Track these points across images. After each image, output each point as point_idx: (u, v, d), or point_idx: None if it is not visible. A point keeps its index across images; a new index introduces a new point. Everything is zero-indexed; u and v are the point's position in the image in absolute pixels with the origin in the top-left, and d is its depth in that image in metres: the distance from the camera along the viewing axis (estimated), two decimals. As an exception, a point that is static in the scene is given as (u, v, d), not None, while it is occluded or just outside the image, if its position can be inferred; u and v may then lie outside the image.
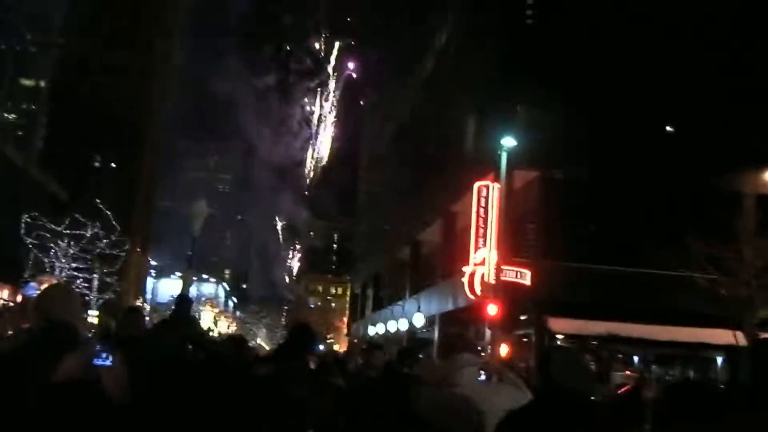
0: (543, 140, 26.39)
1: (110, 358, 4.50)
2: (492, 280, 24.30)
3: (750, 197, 25.55)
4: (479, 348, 27.82)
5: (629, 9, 27.16)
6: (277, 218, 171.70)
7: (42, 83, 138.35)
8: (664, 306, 23.36)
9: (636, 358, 25.54)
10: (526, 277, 24.68)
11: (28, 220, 49.78)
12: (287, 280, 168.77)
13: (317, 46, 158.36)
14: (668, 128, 28.21)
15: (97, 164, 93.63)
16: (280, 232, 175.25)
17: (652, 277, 24.42)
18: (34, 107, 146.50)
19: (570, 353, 4.84)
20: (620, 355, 25.18)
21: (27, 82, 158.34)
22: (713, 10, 26.49)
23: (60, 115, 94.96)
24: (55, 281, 47.38)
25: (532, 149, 26.02)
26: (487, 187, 26.88)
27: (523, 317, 26.39)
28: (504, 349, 23.26)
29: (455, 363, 5.52)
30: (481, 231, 26.53)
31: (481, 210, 26.80)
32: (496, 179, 25.93)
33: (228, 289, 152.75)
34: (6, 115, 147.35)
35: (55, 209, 54.30)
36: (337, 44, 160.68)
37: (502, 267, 24.31)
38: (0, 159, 51.24)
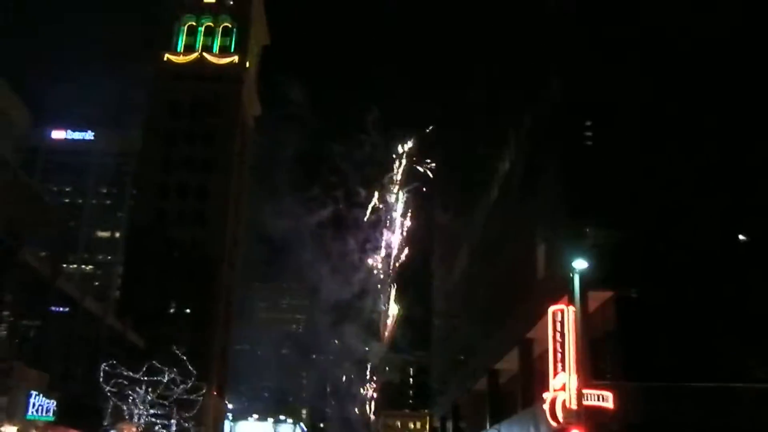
0: (614, 260, 26.12)
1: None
2: (574, 406, 23.70)
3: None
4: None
5: (689, 117, 27.23)
6: (351, 355, 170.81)
7: (117, 234, 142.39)
8: (757, 420, 22.45)
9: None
10: (608, 400, 24.00)
11: (107, 368, 50.43)
12: (364, 417, 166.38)
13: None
14: (741, 237, 27.72)
15: (172, 311, 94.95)
16: (355, 368, 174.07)
17: (740, 390, 23.59)
18: (110, 258, 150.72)
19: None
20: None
21: (102, 234, 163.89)
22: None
23: (136, 264, 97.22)
24: (134, 429, 47.61)
25: (604, 270, 25.75)
26: (562, 311, 26.55)
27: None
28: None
29: None
30: (559, 356, 26.06)
31: (558, 334, 26.40)
32: (571, 302, 25.62)
33: (305, 429, 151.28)
34: (84, 266, 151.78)
35: (132, 357, 54.98)
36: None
37: (583, 391, 23.72)
38: (78, 309, 52.31)
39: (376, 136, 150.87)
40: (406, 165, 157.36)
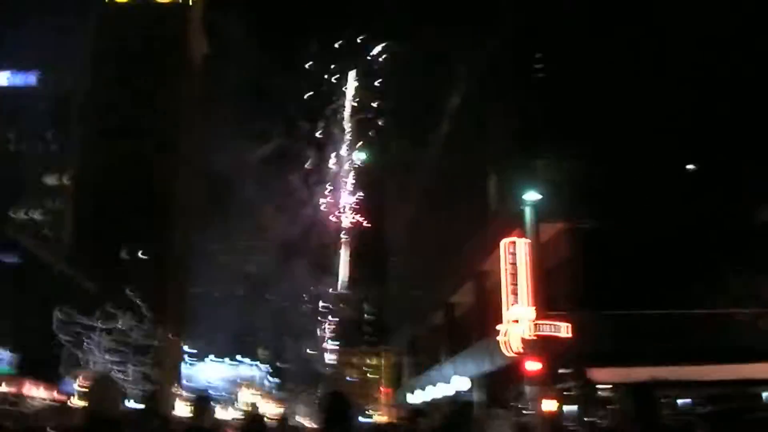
0: (566, 192, 26.29)
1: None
2: (528, 336, 24.03)
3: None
4: (520, 406, 27.44)
5: (641, 45, 27.26)
6: (306, 294, 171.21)
7: (65, 180, 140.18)
8: (706, 345, 22.95)
9: (682, 402, 25.00)
10: (562, 330, 24.37)
11: (60, 316, 50.05)
12: (321, 354, 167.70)
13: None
14: (689, 166, 28.05)
15: (125, 255, 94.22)
16: (310, 307, 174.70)
17: (692, 317, 24.08)
18: (58, 204, 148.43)
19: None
20: (664, 400, 24.66)
21: (50, 181, 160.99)
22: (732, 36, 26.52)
23: (85, 210, 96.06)
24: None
25: (556, 201, 25.95)
26: (514, 243, 26.75)
27: (563, 371, 25.99)
28: (548, 405, 22.86)
29: (486, 418, 5.74)
30: (513, 288, 26.33)
31: (511, 266, 26.63)
32: (523, 234, 25.83)
33: (264, 369, 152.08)
34: (31, 214, 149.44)
35: (86, 304, 54.59)
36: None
37: (537, 322, 24.06)
38: (28, 258, 51.68)
39: (320, 67, 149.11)
40: (354, 95, 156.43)
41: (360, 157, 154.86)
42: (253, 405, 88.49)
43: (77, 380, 45.19)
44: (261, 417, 9.82)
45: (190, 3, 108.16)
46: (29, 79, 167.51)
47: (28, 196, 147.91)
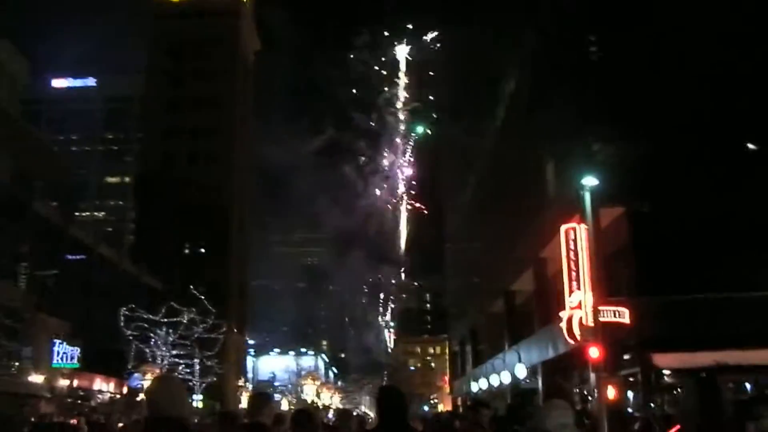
0: (624, 176, 25.98)
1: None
2: (590, 323, 23.83)
3: None
4: (585, 392, 27.20)
5: (701, 28, 26.77)
6: (366, 284, 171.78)
7: (126, 179, 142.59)
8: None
9: (748, 386, 24.59)
10: (624, 316, 24.09)
11: (126, 312, 51.04)
12: (384, 344, 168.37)
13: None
14: (750, 146, 27.48)
15: (187, 252, 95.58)
16: (373, 297, 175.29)
17: (754, 300, 23.66)
18: (121, 203, 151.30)
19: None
20: (731, 384, 24.27)
21: (112, 180, 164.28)
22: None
23: (147, 208, 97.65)
24: (157, 370, 48.35)
25: (615, 186, 25.63)
26: (574, 229, 26.53)
27: (626, 357, 25.74)
28: (611, 392, 22.66)
29: (545, 409, 5.84)
30: (574, 274, 26.12)
31: (571, 253, 26.42)
32: (582, 220, 25.60)
33: (327, 360, 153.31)
34: (96, 213, 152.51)
35: (151, 300, 55.60)
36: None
37: (599, 308, 23.80)
38: (93, 256, 52.73)
39: (372, 56, 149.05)
40: (406, 83, 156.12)
41: (415, 134, 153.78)
42: (316, 397, 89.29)
43: (145, 375, 46.05)
44: (308, 410, 9.88)
45: (243, 0, 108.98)
46: (88, 81, 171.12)
47: (91, 196, 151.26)
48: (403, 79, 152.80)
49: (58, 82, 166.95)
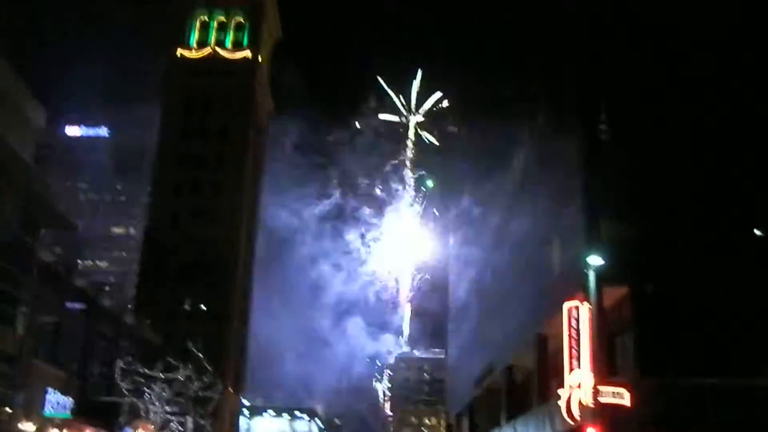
0: (630, 255, 25.96)
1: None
2: (590, 403, 23.58)
3: None
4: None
5: (706, 111, 27.01)
6: (365, 351, 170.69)
7: (132, 230, 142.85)
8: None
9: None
10: (624, 397, 23.84)
11: (123, 366, 50.66)
12: (381, 413, 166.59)
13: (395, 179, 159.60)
14: (757, 231, 27.48)
15: (188, 307, 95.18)
16: (370, 364, 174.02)
17: (759, 387, 23.43)
18: (125, 254, 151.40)
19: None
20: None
21: (118, 230, 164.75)
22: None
23: (150, 260, 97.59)
24: (150, 426, 47.81)
25: (620, 265, 25.58)
26: (577, 307, 26.39)
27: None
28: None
29: None
30: (575, 353, 25.91)
31: (573, 331, 26.24)
32: (586, 298, 25.48)
33: (321, 425, 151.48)
34: (99, 262, 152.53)
35: (149, 354, 55.22)
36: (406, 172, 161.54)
37: (599, 388, 23.59)
38: (94, 306, 52.53)
39: (380, 124, 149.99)
40: (415, 149, 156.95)
41: (426, 188, 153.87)
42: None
43: (136, 431, 45.54)
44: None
45: (259, 59, 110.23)
46: (100, 131, 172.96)
47: (96, 245, 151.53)
48: (410, 148, 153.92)
49: (71, 130, 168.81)
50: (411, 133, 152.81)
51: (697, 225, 25.91)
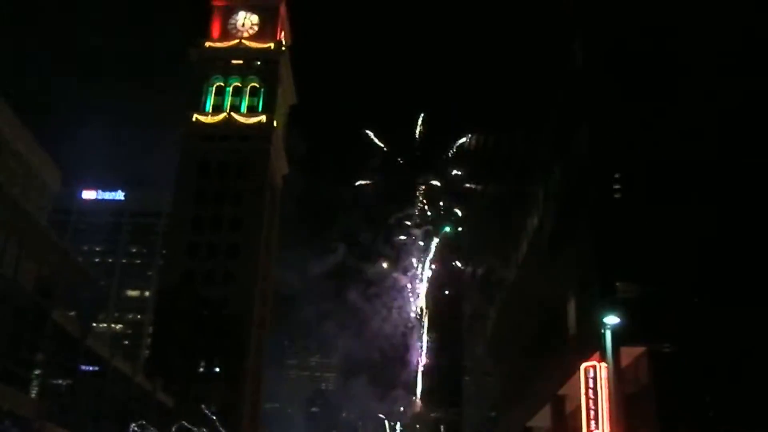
0: (646, 315, 25.79)
1: None
2: (608, 464, 23.26)
3: None
4: None
5: (719, 169, 27.04)
6: (379, 411, 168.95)
7: (146, 293, 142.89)
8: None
9: None
10: (644, 459, 23.55)
11: (136, 429, 50.36)
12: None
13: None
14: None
15: (201, 370, 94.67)
16: (386, 426, 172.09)
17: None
18: (139, 317, 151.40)
19: None
20: None
21: (132, 293, 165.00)
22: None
23: (165, 323, 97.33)
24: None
25: (637, 325, 25.40)
26: (594, 367, 26.22)
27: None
28: None
29: None
30: (593, 413, 25.69)
31: (590, 391, 26.04)
32: (603, 358, 25.28)
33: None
34: (114, 325, 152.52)
35: (162, 416, 54.90)
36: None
37: (618, 449, 23.31)
38: (108, 369, 52.41)
39: (389, 182, 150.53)
40: (431, 211, 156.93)
41: (444, 233, 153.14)
42: None
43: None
44: None
45: (274, 124, 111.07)
46: (117, 195, 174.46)
47: (111, 308, 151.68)
48: (419, 203, 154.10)
49: (87, 194, 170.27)
50: (420, 189, 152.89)
51: (714, 284, 25.77)
